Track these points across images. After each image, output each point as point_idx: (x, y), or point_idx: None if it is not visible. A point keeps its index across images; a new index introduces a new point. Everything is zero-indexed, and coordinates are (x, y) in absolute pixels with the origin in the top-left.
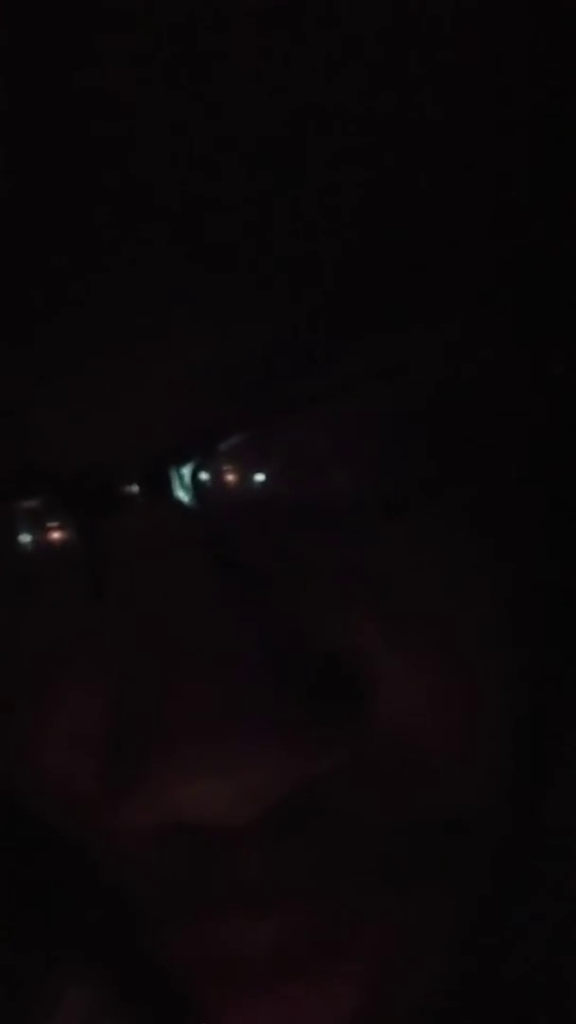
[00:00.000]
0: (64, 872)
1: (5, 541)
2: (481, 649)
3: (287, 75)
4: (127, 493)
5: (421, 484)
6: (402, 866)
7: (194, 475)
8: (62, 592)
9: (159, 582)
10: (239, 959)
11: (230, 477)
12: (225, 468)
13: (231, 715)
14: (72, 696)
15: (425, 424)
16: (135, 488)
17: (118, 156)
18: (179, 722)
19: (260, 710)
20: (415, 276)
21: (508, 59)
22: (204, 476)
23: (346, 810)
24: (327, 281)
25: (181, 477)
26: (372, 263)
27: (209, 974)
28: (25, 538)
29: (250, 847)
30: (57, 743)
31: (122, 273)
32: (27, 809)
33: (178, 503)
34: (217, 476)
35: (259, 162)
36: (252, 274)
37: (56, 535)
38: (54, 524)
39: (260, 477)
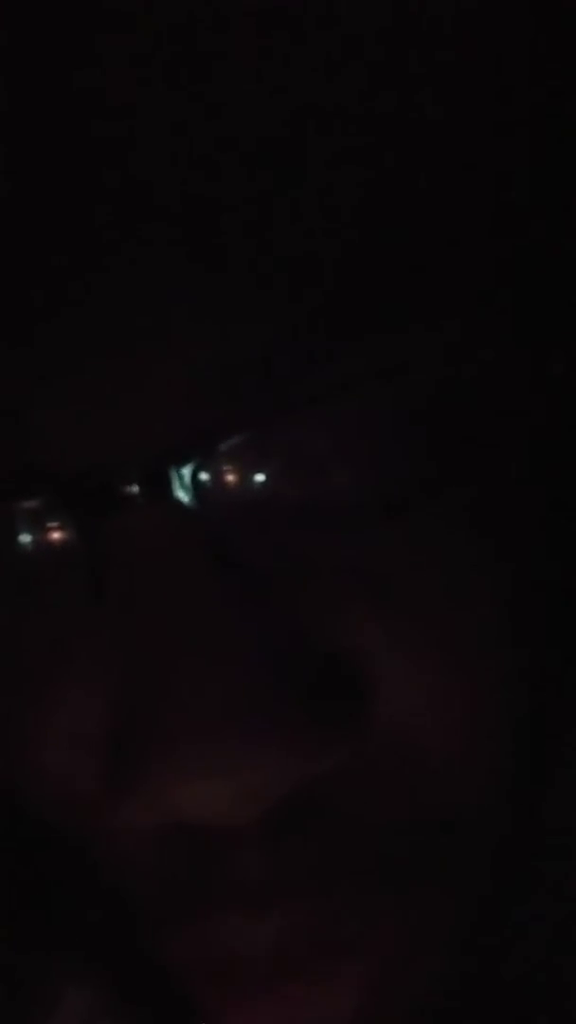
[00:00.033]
0: (64, 872)
1: (5, 541)
2: (481, 649)
3: (287, 75)
4: (127, 493)
5: (421, 484)
6: (402, 866)
7: (194, 475)
8: (62, 592)
9: (159, 582)
10: (239, 959)
11: (230, 477)
12: (225, 468)
13: (231, 715)
14: (72, 696)
15: (425, 424)
16: (135, 488)
17: (118, 156)
18: (179, 722)
19: (260, 710)
20: (415, 276)
21: (508, 59)
22: (204, 476)
23: (346, 810)
24: (327, 281)
25: (181, 477)
26: (372, 263)
27: (209, 974)
28: (25, 538)
29: (250, 847)
30: (57, 743)
31: (122, 273)
32: (27, 809)
33: (178, 503)
34: (217, 476)
35: (259, 162)
36: (252, 274)
37: (56, 535)
38: (54, 524)
39: (260, 477)
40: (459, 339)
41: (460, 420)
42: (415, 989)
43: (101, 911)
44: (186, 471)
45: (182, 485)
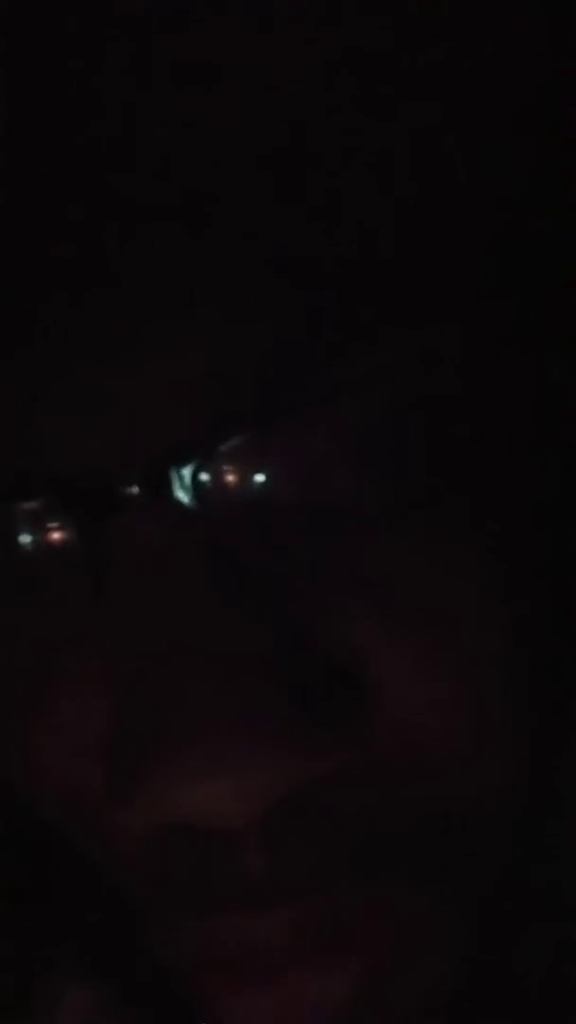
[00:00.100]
0: (65, 871)
1: (6, 542)
2: (482, 649)
3: (287, 76)
4: (127, 494)
5: (421, 486)
6: (404, 863)
7: (194, 476)
8: (63, 593)
9: (159, 583)
10: (241, 955)
11: (230, 478)
12: (225, 469)
13: (231, 715)
14: (72, 696)
15: (425, 426)
16: (135, 489)
17: (118, 157)
18: (180, 722)
19: (260, 710)
20: (415, 280)
21: (509, 61)
22: (204, 477)
23: (347, 808)
24: (327, 283)
25: (181, 478)
26: (373, 266)
27: (211, 971)
28: (26, 539)
29: (251, 845)
30: (58, 743)
31: (122, 274)
32: (28, 809)
33: (178, 504)
34: (217, 477)
35: (259, 164)
36: (253, 275)
37: (56, 536)
38: (54, 525)
39: (260, 478)
40: (458, 343)
41: (460, 423)
42: (417, 985)
43: (102, 911)
44: (186, 472)
45: (182, 486)
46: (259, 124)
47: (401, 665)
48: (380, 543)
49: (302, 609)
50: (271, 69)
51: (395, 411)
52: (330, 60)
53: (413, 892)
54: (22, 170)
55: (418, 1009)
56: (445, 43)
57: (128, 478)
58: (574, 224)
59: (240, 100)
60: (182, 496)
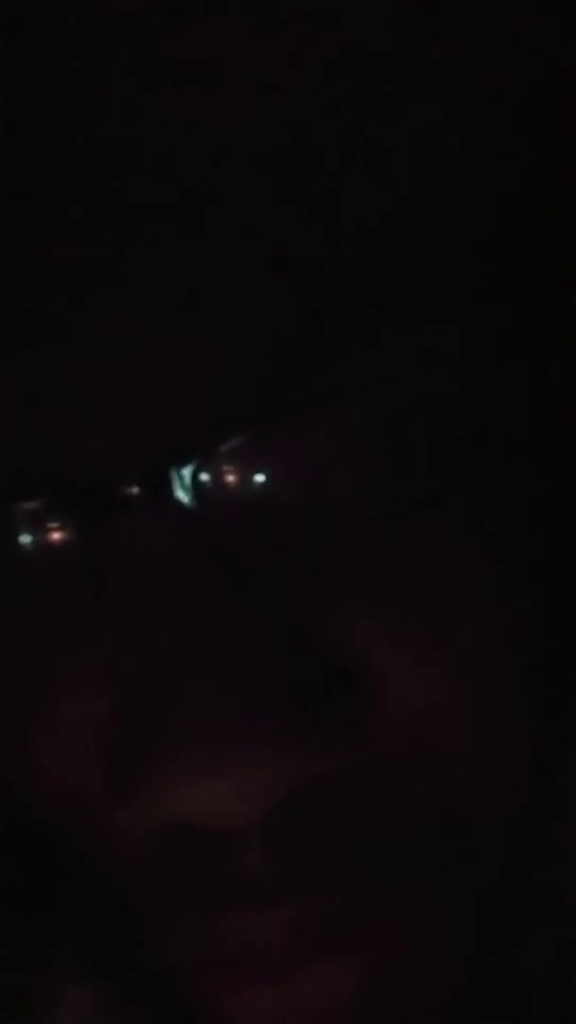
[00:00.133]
0: (65, 871)
1: (5, 542)
2: (482, 649)
3: (288, 77)
4: (127, 494)
5: (421, 486)
6: (405, 863)
7: (194, 476)
8: (63, 593)
9: (159, 583)
10: (241, 955)
11: (230, 478)
12: (225, 469)
13: (232, 715)
14: (73, 697)
15: (425, 426)
16: (136, 489)
17: (119, 158)
18: (180, 722)
19: (261, 710)
20: (415, 280)
21: (510, 62)
22: (204, 477)
23: (349, 806)
24: (328, 283)
25: (181, 478)
26: (373, 266)
27: (212, 970)
28: (26, 539)
29: (253, 843)
30: (58, 744)
31: (122, 274)
32: (28, 809)
33: (178, 504)
34: (217, 477)
35: (259, 164)
36: (253, 275)
37: (57, 536)
38: (55, 525)
39: (260, 478)
40: (458, 343)
41: (460, 423)
42: (417, 985)
43: (102, 911)
44: (186, 472)
45: (182, 486)
46: (259, 124)
47: (401, 665)
48: (380, 543)
49: (302, 609)
50: (271, 69)
51: (395, 411)
52: (330, 60)
53: (413, 892)
54: (22, 170)
55: (418, 1009)
56: (445, 43)
57: (128, 478)
58: (574, 224)
59: (240, 100)
60: (182, 496)
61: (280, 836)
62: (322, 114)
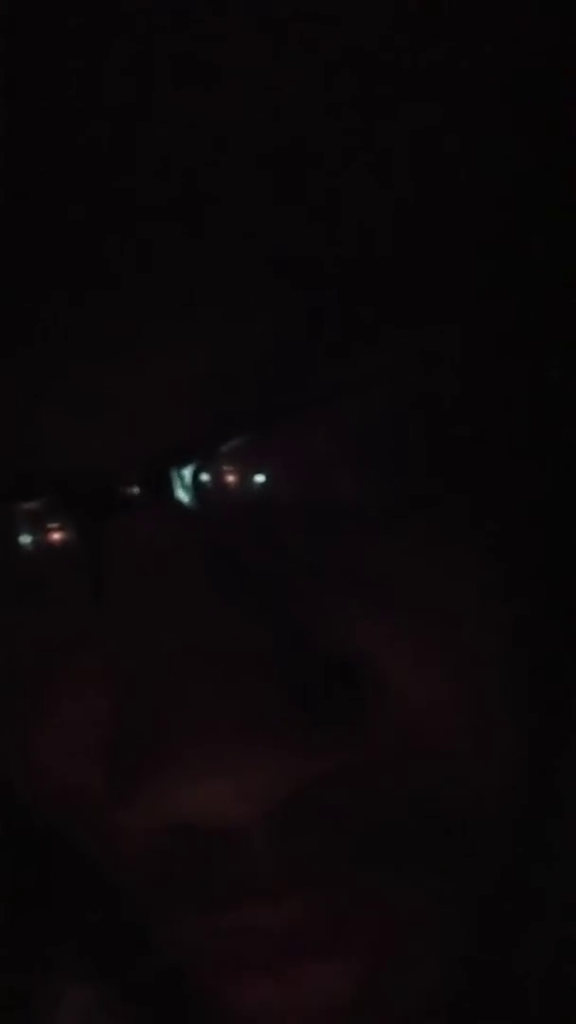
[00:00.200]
0: (65, 871)
1: (6, 542)
2: (482, 649)
3: (287, 77)
4: (128, 494)
5: (421, 486)
6: (404, 863)
7: (195, 476)
8: (63, 593)
9: (160, 583)
10: (244, 951)
11: (231, 478)
12: (226, 469)
13: (232, 715)
14: (73, 697)
15: (425, 426)
16: (136, 489)
17: (119, 158)
18: (180, 723)
19: (260, 710)
20: (415, 280)
21: (510, 62)
22: (205, 477)
23: (352, 804)
24: (328, 283)
25: (182, 478)
26: (373, 266)
27: (214, 967)
28: (26, 539)
29: (255, 840)
30: (58, 744)
31: (122, 274)
32: (28, 809)
33: (179, 504)
34: (218, 477)
35: (259, 164)
36: (253, 275)
37: (57, 536)
38: (55, 525)
39: (260, 478)
40: (458, 343)
41: (459, 423)
42: (417, 985)
43: (102, 911)
44: (187, 472)
45: (183, 486)
46: (259, 124)
47: (401, 665)
48: (380, 543)
49: (302, 609)
50: (271, 69)
51: (395, 411)
52: (330, 60)
53: (413, 892)
54: (22, 170)
55: (418, 1009)
56: (445, 43)
57: (128, 478)
58: (574, 224)
59: (240, 100)
60: (182, 496)
61: (280, 835)
62: (322, 114)
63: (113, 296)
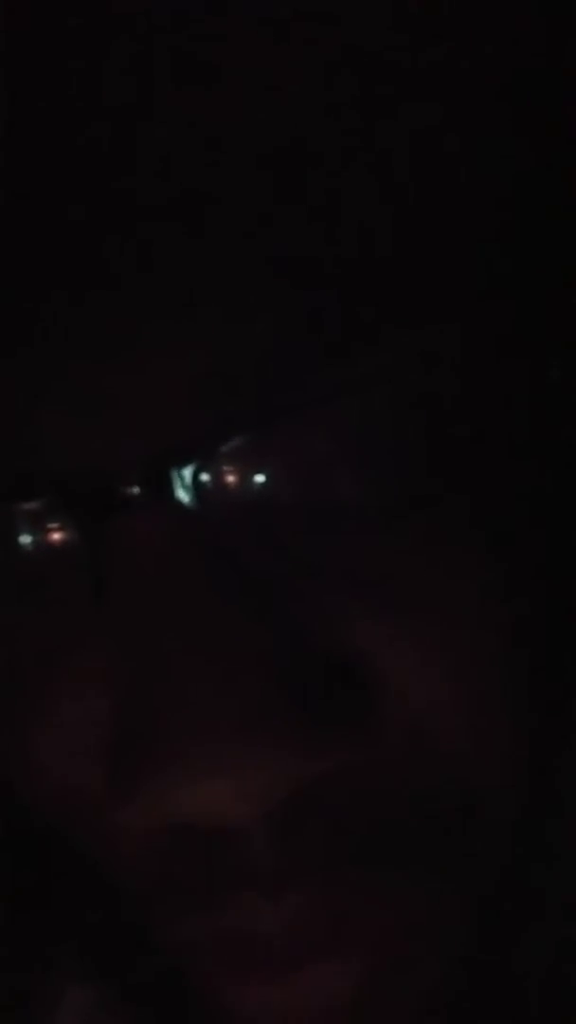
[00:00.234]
0: (65, 872)
1: (6, 542)
2: (482, 649)
3: (288, 77)
4: (128, 494)
5: (421, 486)
6: (404, 863)
7: (195, 476)
8: (63, 593)
9: (160, 583)
10: (244, 950)
11: (231, 478)
12: (226, 469)
13: (232, 715)
14: (73, 696)
15: (425, 426)
16: (136, 489)
17: (119, 158)
18: (181, 723)
19: (261, 710)
20: (415, 280)
21: (510, 62)
22: (205, 477)
23: (349, 805)
24: (328, 283)
25: (182, 478)
26: (373, 266)
27: (214, 966)
28: (26, 539)
29: (257, 837)
30: (58, 743)
31: (122, 274)
32: (28, 809)
33: (179, 504)
34: (218, 477)
35: (259, 164)
36: (253, 275)
37: (57, 536)
38: (55, 525)
39: (260, 478)
40: (458, 343)
41: (459, 423)
42: (417, 985)
43: (102, 911)
44: (187, 472)
45: (183, 486)
46: (259, 124)
47: (401, 665)
48: (380, 543)
49: (302, 609)
50: (271, 69)
51: (395, 411)
52: (330, 60)
53: (413, 891)
54: (22, 170)
55: (418, 1009)
56: (445, 43)
57: (128, 478)
58: (574, 224)
59: (240, 100)
60: (183, 496)
61: (280, 835)
62: (322, 114)
63: (113, 296)
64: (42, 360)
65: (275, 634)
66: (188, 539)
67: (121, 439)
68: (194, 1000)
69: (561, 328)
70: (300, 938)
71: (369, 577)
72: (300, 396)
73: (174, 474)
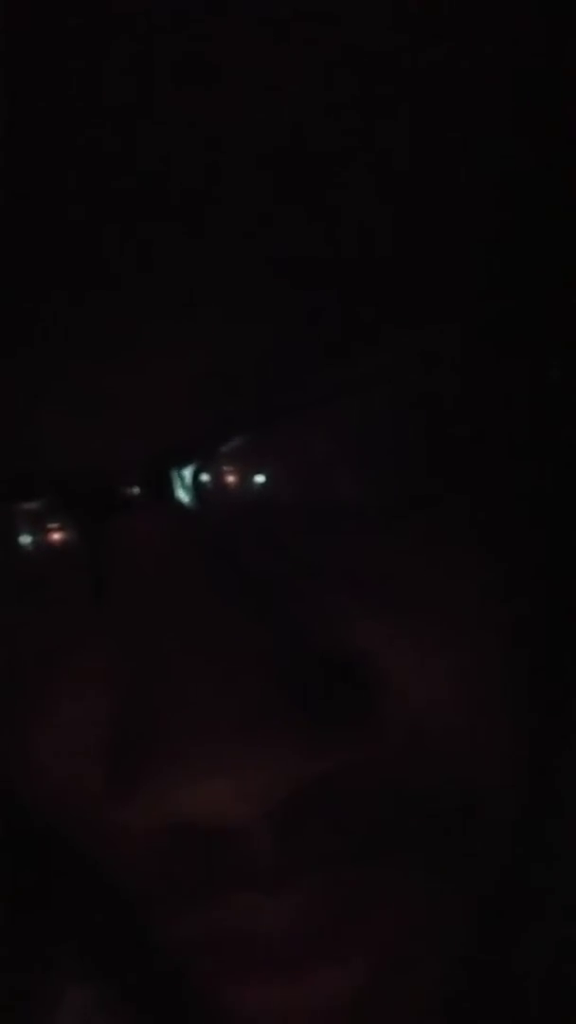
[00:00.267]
0: (65, 870)
1: (6, 542)
2: (482, 649)
3: (288, 77)
4: (128, 494)
5: (421, 486)
6: (404, 862)
7: (195, 476)
8: (64, 593)
9: (160, 583)
10: (245, 949)
11: (231, 478)
12: (226, 469)
13: (232, 715)
14: (73, 696)
15: (425, 426)
16: (136, 489)
17: (119, 157)
18: (181, 723)
19: (261, 710)
20: (415, 280)
21: (510, 62)
22: (205, 477)
23: (349, 805)
24: (328, 283)
25: (182, 478)
26: (373, 266)
27: (215, 966)
28: (26, 539)
29: (258, 835)
30: (59, 743)
31: (122, 274)
32: (28, 809)
33: (179, 504)
34: (218, 477)
35: (259, 164)
36: (253, 275)
37: (57, 536)
38: (55, 525)
39: (261, 478)
40: (458, 343)
41: (459, 423)
42: (417, 985)
43: (102, 911)
44: (187, 472)
45: (183, 486)
46: (259, 124)
47: (401, 665)
48: (380, 543)
49: (302, 609)
50: (271, 69)
51: (395, 411)
52: (330, 60)
53: (413, 891)
54: (22, 170)
55: (418, 1009)
56: (445, 43)
57: (128, 478)
58: (574, 224)
59: (240, 100)
60: (182, 496)
61: (281, 835)
62: (322, 114)
63: (113, 296)
64: (42, 360)
65: (275, 634)
66: (188, 539)
67: (121, 439)
68: (194, 1000)
69: (561, 328)
70: (300, 938)
71: (369, 577)
72: (300, 396)
73: (174, 474)
